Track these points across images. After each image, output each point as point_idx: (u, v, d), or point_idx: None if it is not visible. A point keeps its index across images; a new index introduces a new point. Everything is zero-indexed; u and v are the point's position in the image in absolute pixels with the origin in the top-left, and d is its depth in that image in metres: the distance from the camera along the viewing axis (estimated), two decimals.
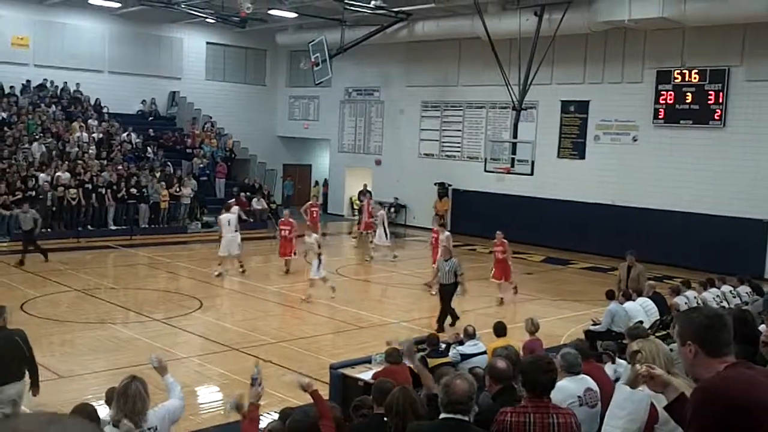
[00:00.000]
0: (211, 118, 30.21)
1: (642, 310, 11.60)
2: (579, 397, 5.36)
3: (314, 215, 21.83)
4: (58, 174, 22.57)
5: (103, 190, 22.90)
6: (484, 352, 8.89)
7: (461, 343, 9.27)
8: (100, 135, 26.18)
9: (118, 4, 25.42)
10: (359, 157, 29.88)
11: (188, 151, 28.30)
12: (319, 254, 15.35)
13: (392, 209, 27.94)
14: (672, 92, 21.06)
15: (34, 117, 25.20)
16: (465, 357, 8.87)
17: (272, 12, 24.76)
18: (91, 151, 24.86)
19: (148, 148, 27.04)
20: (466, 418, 4.24)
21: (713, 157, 20.37)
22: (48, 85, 26.98)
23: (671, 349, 5.01)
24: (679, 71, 20.91)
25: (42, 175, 22.29)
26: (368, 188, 27.93)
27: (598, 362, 6.99)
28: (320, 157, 33.31)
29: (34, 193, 21.68)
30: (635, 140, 22.05)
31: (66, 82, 27.25)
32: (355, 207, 28.40)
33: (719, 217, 20.05)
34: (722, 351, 2.99)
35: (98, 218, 22.92)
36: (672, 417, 3.32)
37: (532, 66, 20.43)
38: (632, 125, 22.07)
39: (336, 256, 22.47)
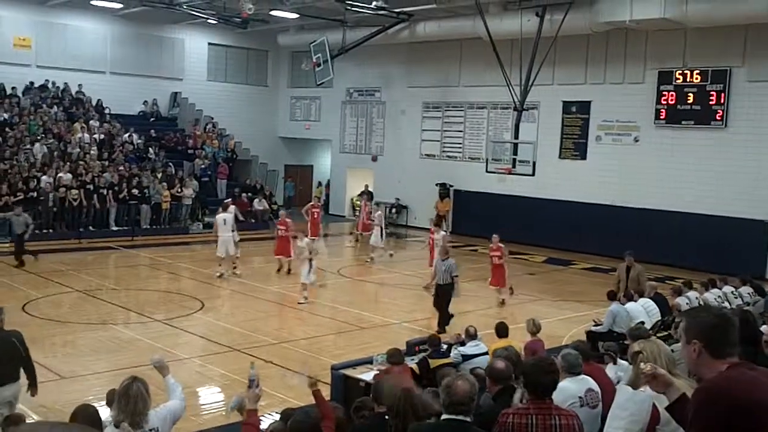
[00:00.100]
0: (212, 118, 30.23)
1: (643, 310, 11.60)
2: (580, 397, 5.35)
3: (315, 216, 21.81)
4: (59, 175, 22.58)
5: (105, 191, 22.91)
6: (486, 353, 8.88)
7: (462, 343, 9.27)
8: (102, 136, 26.20)
9: (120, 5, 25.45)
10: (360, 157, 29.88)
11: (190, 151, 28.31)
12: (310, 259, 15.28)
13: (393, 210, 27.97)
14: (673, 93, 21.06)
15: (35, 118, 25.21)
16: (466, 358, 8.87)
17: (274, 13, 24.77)
18: (92, 152, 24.88)
19: (150, 148, 27.06)
20: (468, 419, 4.23)
21: (715, 158, 20.36)
22: (50, 85, 27.00)
23: (672, 350, 5.01)
24: (680, 72, 20.90)
25: (44, 176, 22.30)
26: (369, 189, 27.95)
27: (599, 363, 6.99)
28: (321, 158, 33.33)
29: (35, 194, 21.70)
30: (637, 141, 22.04)
31: (67, 83, 27.27)
32: (356, 208, 28.41)
33: (720, 217, 20.03)
34: (727, 351, 2.98)
35: (100, 219, 22.94)
36: (673, 417, 3.32)
37: (533, 66, 20.42)
38: (634, 126, 22.06)
39: (337, 257, 22.50)
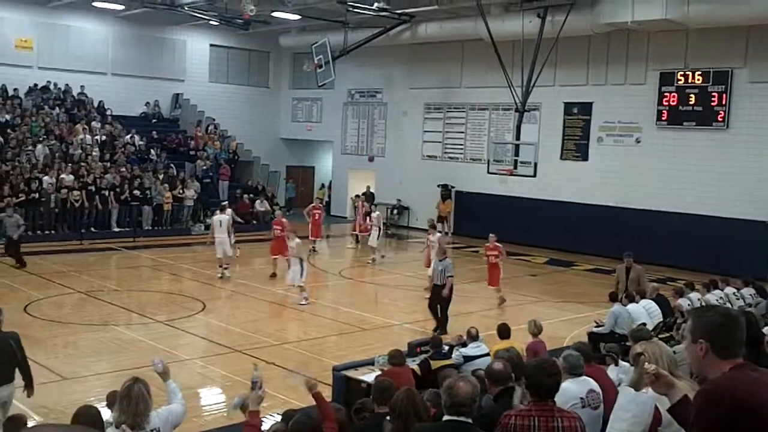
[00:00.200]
0: (214, 120, 30.24)
1: (645, 312, 11.59)
2: (581, 398, 5.35)
3: (317, 218, 21.79)
4: (61, 176, 22.61)
5: (107, 192, 22.94)
6: (488, 354, 8.87)
7: (464, 345, 9.26)
8: (104, 137, 26.21)
9: (122, 7, 25.46)
10: (362, 159, 29.88)
11: (191, 153, 28.31)
12: (301, 260, 15.25)
13: (395, 211, 27.96)
14: (675, 94, 21.04)
15: (37, 119, 25.23)
16: (468, 359, 8.86)
17: (275, 14, 24.77)
18: (94, 153, 24.90)
19: (152, 150, 27.07)
20: (469, 420, 4.23)
21: (716, 159, 20.34)
22: (51, 87, 27.01)
23: (674, 351, 5.01)
24: (682, 73, 20.89)
25: (45, 177, 22.32)
26: (371, 190, 27.94)
27: (601, 364, 6.98)
28: (323, 159, 33.33)
29: (37, 195, 21.72)
30: (638, 142, 22.02)
31: (69, 85, 27.28)
32: (356, 207, 28.40)
33: (722, 218, 20.01)
34: (733, 351, 2.97)
35: (101, 220, 22.97)
36: (675, 419, 3.31)
37: (535, 68, 20.42)
38: (635, 127, 22.04)
39: (339, 258, 22.50)
